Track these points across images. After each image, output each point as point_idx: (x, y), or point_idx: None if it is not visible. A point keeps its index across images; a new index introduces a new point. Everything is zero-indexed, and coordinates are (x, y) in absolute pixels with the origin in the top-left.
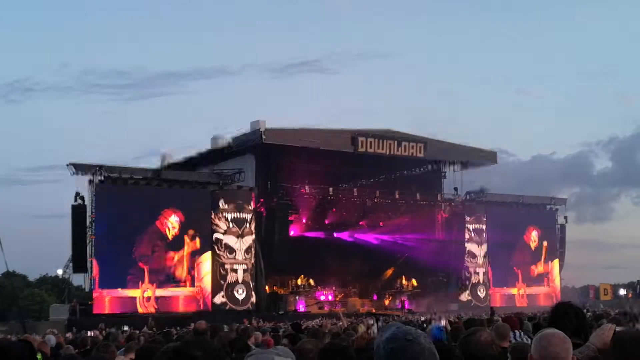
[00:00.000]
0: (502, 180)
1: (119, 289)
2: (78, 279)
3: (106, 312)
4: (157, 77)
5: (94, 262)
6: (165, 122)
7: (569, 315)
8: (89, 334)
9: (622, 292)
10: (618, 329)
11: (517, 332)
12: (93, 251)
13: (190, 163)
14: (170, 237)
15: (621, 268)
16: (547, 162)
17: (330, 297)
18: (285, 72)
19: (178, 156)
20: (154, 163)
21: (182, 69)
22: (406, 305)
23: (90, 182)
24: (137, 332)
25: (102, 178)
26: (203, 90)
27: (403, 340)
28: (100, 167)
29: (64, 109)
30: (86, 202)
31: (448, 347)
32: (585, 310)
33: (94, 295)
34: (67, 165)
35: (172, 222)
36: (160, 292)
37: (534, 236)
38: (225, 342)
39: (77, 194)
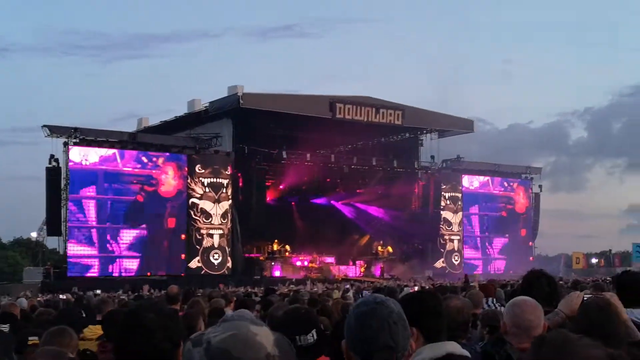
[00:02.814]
0: (479, 148)
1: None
2: (52, 242)
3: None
4: (137, 39)
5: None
6: (142, 85)
7: (541, 283)
8: (61, 297)
9: (594, 261)
10: (586, 296)
11: (490, 299)
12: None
13: (167, 127)
14: None
15: (594, 237)
16: (524, 131)
17: (306, 263)
18: (266, 36)
19: (155, 120)
20: (131, 126)
21: (160, 31)
22: (386, 272)
23: (65, 144)
24: (109, 295)
25: (78, 140)
26: (181, 54)
27: (372, 304)
28: (76, 129)
29: (42, 69)
30: (61, 165)
31: (422, 296)
32: (558, 279)
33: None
34: (42, 127)
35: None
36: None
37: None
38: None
39: (52, 156)
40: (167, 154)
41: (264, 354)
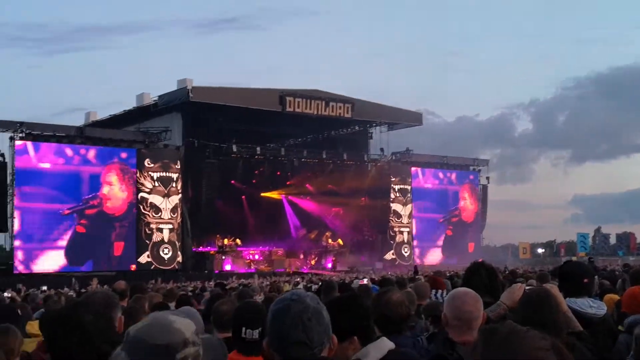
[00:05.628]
0: (428, 141)
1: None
2: None
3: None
4: (81, 30)
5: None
6: (89, 78)
7: (480, 274)
8: (5, 294)
9: (540, 251)
10: (527, 288)
11: (440, 291)
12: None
13: (116, 121)
14: None
15: (540, 227)
16: (471, 124)
17: (257, 257)
18: (214, 28)
19: (103, 114)
20: (77, 120)
21: (107, 22)
22: (338, 264)
23: (11, 139)
24: (54, 292)
25: (24, 135)
26: (129, 46)
27: (288, 301)
28: (22, 123)
29: None
30: (7, 160)
31: (354, 297)
32: (504, 269)
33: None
34: None
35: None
36: None
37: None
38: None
39: None
40: (110, 149)
41: (181, 339)
